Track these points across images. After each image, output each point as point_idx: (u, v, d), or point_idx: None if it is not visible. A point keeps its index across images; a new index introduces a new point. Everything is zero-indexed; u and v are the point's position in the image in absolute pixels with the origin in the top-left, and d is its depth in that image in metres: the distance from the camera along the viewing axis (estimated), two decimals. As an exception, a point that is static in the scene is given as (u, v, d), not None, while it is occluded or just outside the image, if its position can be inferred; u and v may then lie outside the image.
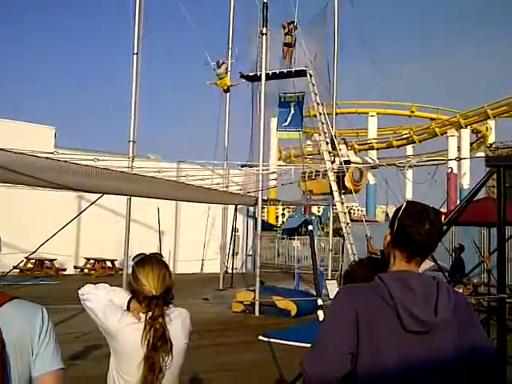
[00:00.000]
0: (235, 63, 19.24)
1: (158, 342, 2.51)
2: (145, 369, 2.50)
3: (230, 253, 21.62)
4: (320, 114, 19.01)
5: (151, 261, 2.75)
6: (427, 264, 16.09)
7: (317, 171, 21.15)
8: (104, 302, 2.64)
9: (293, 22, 19.50)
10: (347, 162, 18.91)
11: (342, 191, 18.91)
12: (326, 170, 18.67)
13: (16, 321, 1.94)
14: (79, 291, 2.71)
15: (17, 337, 1.92)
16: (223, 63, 18.70)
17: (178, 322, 2.70)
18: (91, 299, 2.65)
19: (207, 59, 18.45)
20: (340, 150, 18.83)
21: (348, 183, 32.45)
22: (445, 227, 9.70)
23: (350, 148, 19.22)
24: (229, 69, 18.80)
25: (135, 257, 2.82)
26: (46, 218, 18.24)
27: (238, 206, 21.47)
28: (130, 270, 2.81)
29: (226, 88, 18.96)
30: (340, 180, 18.69)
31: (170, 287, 2.70)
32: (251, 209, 26.36)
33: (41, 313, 2.02)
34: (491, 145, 24.63)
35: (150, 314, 2.56)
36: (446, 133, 38.53)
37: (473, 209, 10.61)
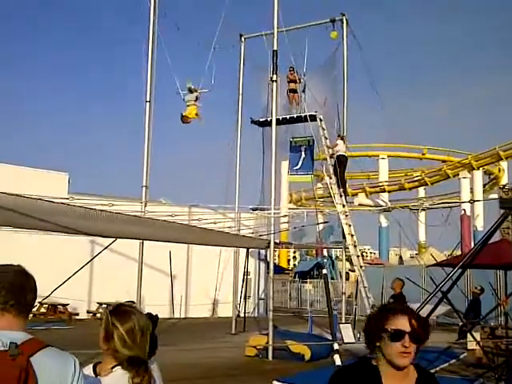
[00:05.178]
0: (212, 93, 18.09)
1: None
2: None
3: (242, 296, 21.45)
4: (330, 157, 19.13)
5: (134, 316, 2.45)
6: (442, 308, 15.89)
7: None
8: None
9: (293, 69, 19.81)
10: (344, 157, 19.01)
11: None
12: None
13: (49, 369, 1.96)
14: None
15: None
16: (195, 90, 17.38)
17: (156, 377, 2.51)
18: None
19: (178, 87, 17.06)
20: (337, 145, 18.95)
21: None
22: (460, 270, 9.64)
23: (346, 144, 19.26)
24: (199, 98, 17.40)
25: (113, 310, 2.50)
26: (58, 262, 18.28)
27: (250, 250, 21.43)
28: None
29: (188, 117, 17.15)
30: (339, 172, 18.66)
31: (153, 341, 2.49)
32: (262, 252, 26.28)
33: (73, 362, 2.05)
34: (504, 186, 24.48)
35: (137, 380, 2.35)
36: (457, 175, 38.42)
37: (488, 251, 10.55)
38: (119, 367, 2.39)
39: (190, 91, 17.21)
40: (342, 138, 19.30)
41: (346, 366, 2.54)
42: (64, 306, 20.42)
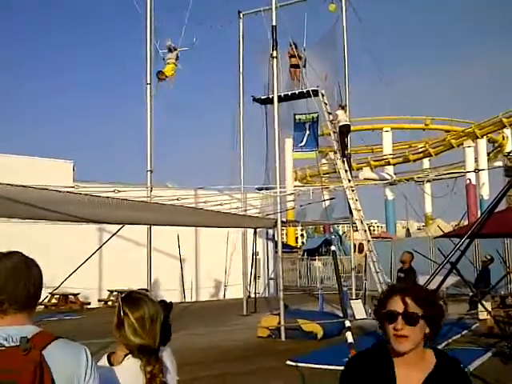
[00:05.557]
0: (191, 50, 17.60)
1: None
2: None
3: (252, 277, 21.52)
4: (334, 132, 19.04)
5: (144, 304, 2.45)
6: (452, 279, 15.88)
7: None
8: None
9: (295, 44, 19.65)
10: (346, 127, 18.96)
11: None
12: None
13: (62, 361, 1.94)
14: None
15: (64, 377, 1.93)
16: (175, 49, 16.89)
17: (169, 363, 2.51)
18: None
19: (157, 47, 16.03)
20: (337, 115, 18.91)
21: None
22: (467, 240, 9.60)
23: (346, 113, 19.21)
24: (179, 56, 16.92)
25: (124, 297, 2.51)
26: (67, 251, 18.35)
27: (258, 230, 21.44)
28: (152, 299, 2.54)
29: (165, 75, 16.55)
30: (340, 142, 18.71)
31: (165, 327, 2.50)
32: (270, 231, 26.29)
33: (85, 352, 2.03)
34: (509, 153, 24.38)
35: (148, 368, 2.36)
36: (462, 144, 38.26)
37: (495, 220, 10.49)
38: (130, 355, 2.40)
39: (170, 50, 16.81)
40: (343, 108, 19.21)
41: (359, 353, 2.39)
42: (75, 295, 20.51)
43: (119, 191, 8.50)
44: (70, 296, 20.52)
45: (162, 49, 16.46)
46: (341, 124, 18.78)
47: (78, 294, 20.46)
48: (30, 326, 1.99)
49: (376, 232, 52.69)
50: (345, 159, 18.94)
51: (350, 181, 18.86)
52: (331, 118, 19.12)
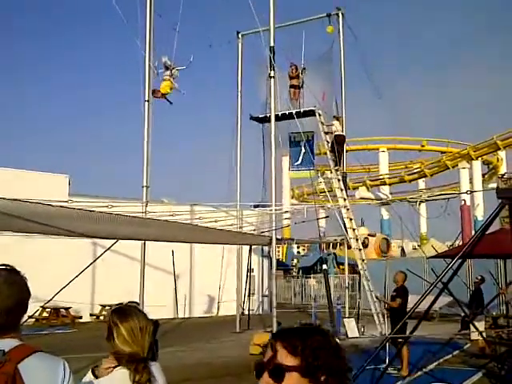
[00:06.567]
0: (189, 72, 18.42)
1: None
2: None
3: (246, 294, 21.50)
4: (330, 151, 19.18)
5: (134, 315, 2.53)
6: (445, 299, 15.93)
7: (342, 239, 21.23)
8: None
9: (295, 66, 19.91)
10: (340, 137, 19.13)
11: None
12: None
13: (38, 374, 1.98)
14: None
15: None
16: (171, 67, 16.71)
17: (158, 375, 2.56)
18: None
19: (153, 67, 15.85)
20: (333, 124, 19.16)
21: (375, 255, 32.75)
22: (460, 260, 9.67)
23: (341, 124, 19.41)
24: (175, 75, 16.78)
25: (115, 309, 2.59)
26: (60, 265, 18.31)
27: (253, 247, 21.46)
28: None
29: (161, 93, 16.38)
30: (336, 152, 18.86)
31: (153, 342, 2.55)
32: (266, 249, 26.31)
33: (62, 366, 2.06)
34: (503, 175, 24.53)
35: (137, 377, 2.40)
36: (457, 165, 38.49)
37: (488, 241, 10.57)
38: (119, 367, 2.45)
39: (166, 67, 16.74)
40: (338, 119, 19.45)
41: None
42: (67, 309, 20.38)
43: (113, 206, 8.55)
44: (61, 310, 20.39)
45: (158, 66, 16.35)
46: (336, 134, 19.04)
47: (70, 308, 20.35)
48: (9, 339, 2.02)
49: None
50: (340, 177, 19.06)
51: (345, 200, 18.96)
52: (326, 129, 19.29)
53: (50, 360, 2.06)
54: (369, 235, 33.26)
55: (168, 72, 16.62)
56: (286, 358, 1.49)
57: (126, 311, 2.54)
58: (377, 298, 16.30)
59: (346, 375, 1.58)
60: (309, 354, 1.49)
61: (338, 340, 1.54)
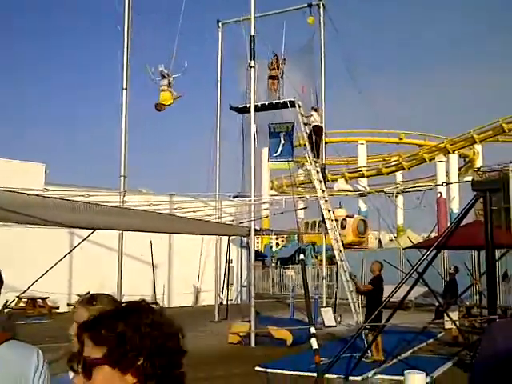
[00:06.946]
0: (183, 76, 17.58)
1: None
2: None
3: (225, 284, 21.56)
4: (310, 143, 19.24)
5: (100, 303, 2.39)
6: (420, 289, 16.19)
7: (320, 221, 21.36)
8: None
9: (276, 56, 19.90)
10: (318, 128, 19.21)
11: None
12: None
13: (12, 361, 1.99)
14: None
15: (12, 377, 1.97)
16: (168, 75, 16.93)
17: None
18: None
19: (150, 74, 16.62)
20: (311, 115, 19.25)
21: (353, 236, 32.89)
22: (434, 251, 9.84)
23: (319, 114, 19.51)
24: (172, 83, 17.06)
25: (81, 299, 2.47)
26: (37, 255, 18.15)
27: (232, 237, 21.50)
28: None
29: (164, 105, 16.93)
30: (314, 142, 18.96)
31: None
32: (245, 239, 26.37)
33: (36, 354, 2.06)
34: (479, 169, 24.96)
35: None
36: (434, 158, 38.95)
37: (462, 232, 10.77)
38: None
39: (163, 76, 16.88)
40: (316, 110, 19.53)
41: None
42: (44, 299, 20.26)
43: (89, 195, 8.51)
44: (38, 300, 20.25)
45: (155, 75, 16.80)
46: (314, 124, 19.13)
47: (47, 298, 20.22)
48: None
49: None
50: (319, 168, 19.14)
51: (323, 191, 19.08)
52: (305, 121, 19.33)
53: (23, 348, 2.06)
54: (347, 216, 33.42)
55: (166, 82, 16.79)
56: (92, 350, 1.27)
57: (91, 298, 2.51)
58: (350, 277, 16.51)
59: (178, 355, 1.35)
60: (113, 339, 1.25)
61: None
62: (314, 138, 19.02)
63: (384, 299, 10.12)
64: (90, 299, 2.52)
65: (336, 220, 25.01)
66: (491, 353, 1.77)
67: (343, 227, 31.25)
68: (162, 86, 16.84)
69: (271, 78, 20.25)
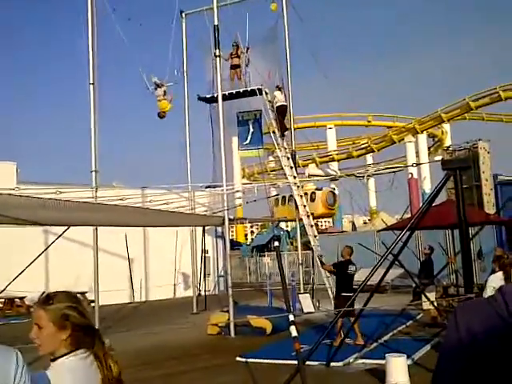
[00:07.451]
0: (177, 85, 18.85)
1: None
2: None
3: (202, 275, 21.53)
4: (278, 130, 19.21)
5: (57, 301, 2.43)
6: (396, 271, 16.35)
7: (290, 195, 21.43)
8: None
9: (237, 45, 19.74)
10: (282, 107, 19.22)
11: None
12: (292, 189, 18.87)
13: None
14: None
15: None
16: (162, 85, 18.07)
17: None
18: None
19: (146, 83, 17.79)
20: (275, 96, 19.13)
21: (322, 208, 32.94)
22: (408, 232, 9.95)
23: (283, 93, 19.53)
24: (167, 91, 18.17)
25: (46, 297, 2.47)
26: (11, 254, 17.91)
27: (206, 228, 21.45)
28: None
29: (163, 113, 18.20)
30: (278, 121, 18.95)
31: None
32: (219, 229, 26.35)
33: (15, 356, 2.00)
34: (448, 148, 25.26)
35: (98, 345, 2.34)
36: (403, 139, 39.38)
37: (435, 212, 10.92)
38: (73, 353, 2.32)
39: (157, 85, 17.80)
40: (280, 89, 19.47)
41: None
42: (21, 299, 20.03)
43: (61, 192, 8.40)
44: (15, 300, 20.02)
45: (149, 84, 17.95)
46: (278, 104, 19.06)
47: (25, 297, 19.98)
48: None
49: (323, 227, 53.50)
50: (289, 155, 19.14)
51: (295, 177, 19.11)
52: (269, 98, 19.25)
53: (2, 350, 2.01)
54: (316, 189, 33.44)
55: (161, 91, 18.00)
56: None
57: (50, 297, 2.44)
58: (318, 258, 16.81)
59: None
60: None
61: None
62: (277, 117, 18.97)
63: (361, 282, 10.19)
64: (46, 299, 2.45)
65: (305, 194, 25.14)
66: (454, 341, 1.62)
67: (313, 200, 31.32)
68: (159, 95, 17.98)
69: (233, 67, 20.09)
